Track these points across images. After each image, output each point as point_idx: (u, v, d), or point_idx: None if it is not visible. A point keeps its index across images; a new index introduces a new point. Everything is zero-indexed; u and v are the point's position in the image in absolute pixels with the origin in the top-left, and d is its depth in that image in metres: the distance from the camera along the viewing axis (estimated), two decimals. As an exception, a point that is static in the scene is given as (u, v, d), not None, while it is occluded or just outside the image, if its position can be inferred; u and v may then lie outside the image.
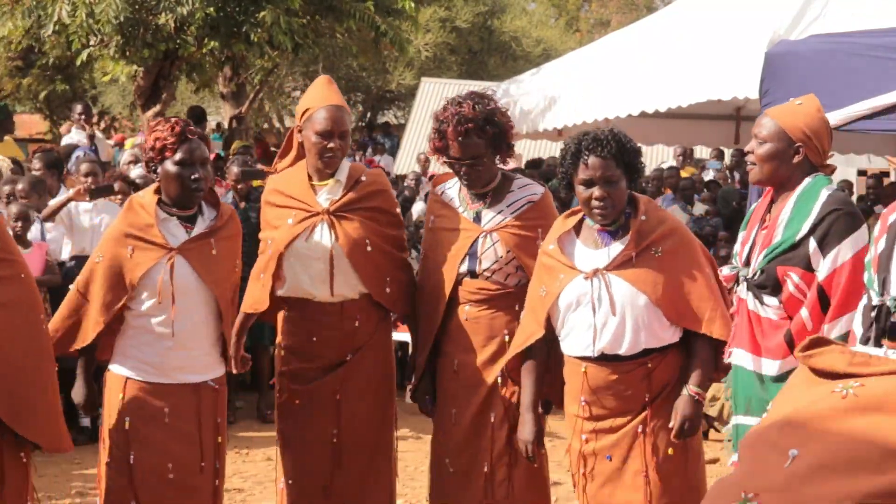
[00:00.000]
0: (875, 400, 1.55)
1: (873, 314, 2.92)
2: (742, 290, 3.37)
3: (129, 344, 3.66)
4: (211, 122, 16.91)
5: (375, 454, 4.00)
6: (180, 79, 11.89)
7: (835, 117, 5.15)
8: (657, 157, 17.63)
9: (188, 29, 9.70)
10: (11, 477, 3.27)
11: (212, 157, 8.42)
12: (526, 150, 17.88)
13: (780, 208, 3.35)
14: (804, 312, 3.24)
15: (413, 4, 10.36)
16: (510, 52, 24.41)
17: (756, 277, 3.33)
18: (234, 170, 7.71)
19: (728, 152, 13.40)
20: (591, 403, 3.55)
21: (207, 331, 3.68)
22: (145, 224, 3.60)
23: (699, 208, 9.94)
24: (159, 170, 3.60)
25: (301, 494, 3.98)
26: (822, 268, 3.23)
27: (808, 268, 3.25)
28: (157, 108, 10.81)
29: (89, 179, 6.74)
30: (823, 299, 3.22)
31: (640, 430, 3.49)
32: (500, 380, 3.90)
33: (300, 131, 3.92)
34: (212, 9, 9.46)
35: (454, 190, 4.04)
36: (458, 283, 3.92)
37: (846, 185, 12.00)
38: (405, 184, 11.93)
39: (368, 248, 3.88)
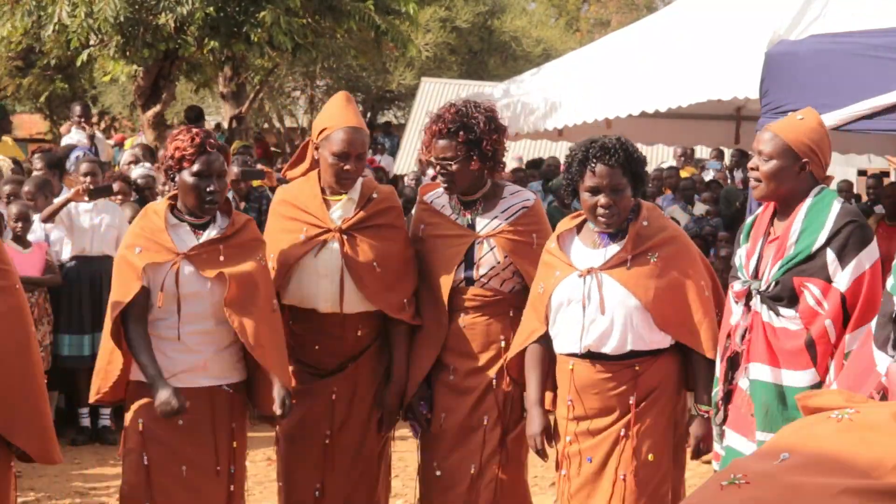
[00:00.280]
0: (868, 422, 1.56)
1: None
2: (756, 304, 3.30)
3: None
4: (211, 122, 16.92)
5: (366, 457, 4.00)
6: (180, 79, 11.89)
7: (835, 117, 5.14)
8: (657, 157, 17.63)
9: (188, 29, 9.70)
10: (2, 484, 3.29)
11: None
12: (526, 150, 17.90)
13: (790, 221, 3.30)
14: (827, 322, 3.19)
15: (415, 5, 10.36)
16: (510, 52, 24.41)
17: (770, 290, 3.28)
18: (234, 170, 7.71)
19: (728, 152, 13.40)
20: (575, 403, 3.55)
21: (218, 336, 3.67)
22: (156, 228, 3.63)
23: (699, 208, 9.93)
24: (177, 179, 3.63)
25: (293, 494, 3.98)
26: (843, 278, 3.19)
27: (827, 279, 3.21)
28: (157, 108, 10.81)
29: (88, 179, 6.74)
30: (845, 310, 3.19)
31: (622, 433, 3.49)
32: (494, 383, 3.91)
33: (317, 148, 3.91)
34: (212, 9, 9.46)
35: (444, 198, 4.03)
36: (454, 290, 3.92)
37: (846, 186, 12.01)
38: (405, 183, 11.89)
39: (377, 270, 3.88)
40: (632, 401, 3.48)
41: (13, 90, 18.21)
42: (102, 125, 22.13)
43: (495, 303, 3.91)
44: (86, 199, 6.63)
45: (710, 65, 6.84)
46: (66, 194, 6.78)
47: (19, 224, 6.35)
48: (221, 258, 3.63)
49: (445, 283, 3.89)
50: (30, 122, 25.07)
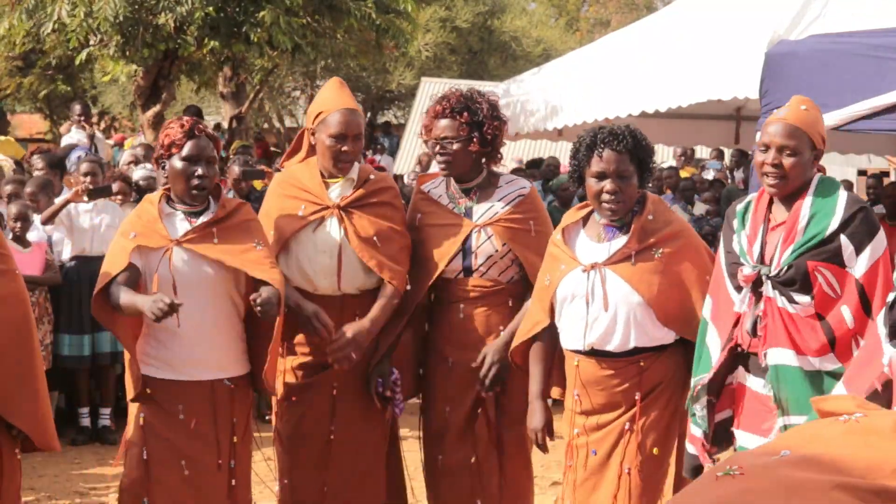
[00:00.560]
0: (874, 426, 1.56)
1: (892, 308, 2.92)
2: (768, 289, 3.25)
3: (144, 341, 3.69)
4: (211, 122, 16.92)
5: (371, 453, 4.00)
6: (180, 79, 11.89)
7: (835, 117, 5.14)
8: (657, 157, 17.61)
9: (188, 29, 9.70)
10: (9, 472, 3.33)
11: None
12: (526, 150, 17.90)
13: (797, 206, 3.25)
14: (843, 308, 3.16)
15: (413, 4, 10.36)
16: (510, 52, 24.41)
17: (782, 274, 3.21)
18: (236, 169, 7.71)
19: (728, 152, 13.40)
20: (582, 398, 3.56)
21: (217, 327, 3.65)
22: (150, 217, 3.64)
23: (699, 208, 9.94)
24: (167, 166, 3.64)
25: (298, 492, 3.98)
26: (860, 264, 3.17)
27: (840, 264, 3.17)
28: (157, 108, 10.81)
29: (88, 179, 6.74)
30: (862, 296, 3.16)
31: (627, 427, 3.49)
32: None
33: (313, 134, 3.92)
34: (211, 8, 9.46)
35: (441, 188, 4.05)
36: (453, 281, 3.92)
37: (846, 186, 12.00)
38: (405, 182, 11.88)
39: (377, 243, 3.88)
40: (637, 396, 3.48)
41: (13, 90, 18.21)
42: (102, 125, 22.13)
43: (494, 293, 3.92)
44: (85, 199, 6.63)
45: (710, 65, 6.84)
46: (65, 195, 6.78)
47: (18, 224, 6.35)
48: (215, 240, 3.61)
49: (437, 270, 3.89)
50: (30, 122, 25.09)
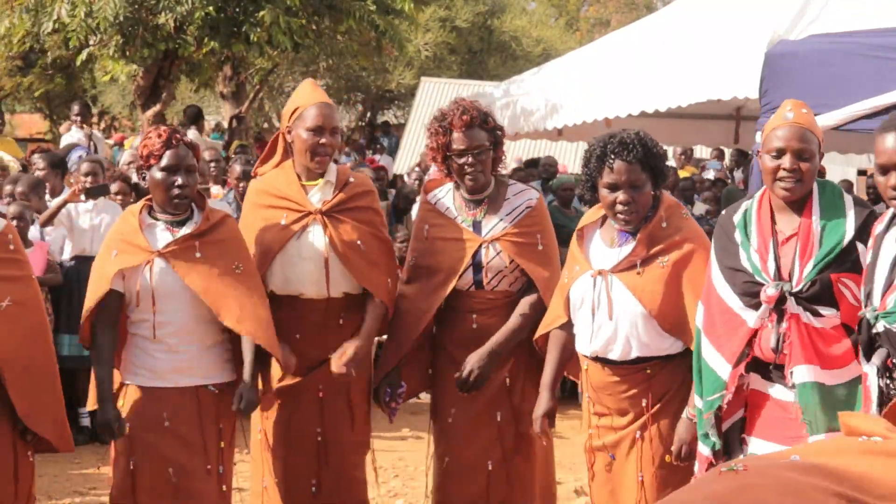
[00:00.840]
0: (892, 449, 1.55)
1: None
2: (792, 306, 3.12)
3: (127, 350, 3.70)
4: (211, 122, 16.92)
5: (357, 453, 4.02)
6: (180, 79, 11.89)
7: (835, 117, 5.15)
8: (657, 156, 17.59)
9: (188, 29, 9.70)
10: (23, 473, 3.39)
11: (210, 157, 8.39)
12: (526, 150, 17.88)
13: (807, 217, 3.17)
14: None
15: (412, 5, 10.35)
16: (510, 51, 24.39)
17: (807, 290, 3.11)
18: (237, 168, 7.69)
19: (728, 152, 13.39)
20: (594, 400, 3.58)
21: (200, 334, 3.65)
22: (131, 229, 3.63)
23: (699, 208, 9.94)
24: (147, 177, 3.63)
25: (289, 494, 3.97)
26: None
27: (860, 272, 3.08)
28: (157, 108, 10.81)
29: (89, 179, 6.74)
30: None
31: (638, 435, 3.48)
32: (508, 381, 3.94)
33: (289, 132, 3.91)
34: (211, 8, 9.46)
35: (448, 198, 4.03)
36: (465, 293, 3.94)
37: (846, 186, 12.00)
38: (408, 181, 11.84)
39: (362, 248, 3.88)
40: (644, 403, 3.46)
41: (13, 90, 18.20)
42: (102, 125, 22.12)
43: (504, 304, 3.95)
44: (82, 198, 6.62)
45: (710, 65, 6.84)
46: (64, 195, 6.77)
47: (17, 223, 6.34)
48: (197, 255, 3.60)
49: (449, 287, 3.91)
50: (30, 122, 25.09)
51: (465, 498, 3.95)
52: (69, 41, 9.54)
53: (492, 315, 3.93)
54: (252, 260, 3.79)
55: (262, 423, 4.02)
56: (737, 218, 3.30)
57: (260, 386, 3.99)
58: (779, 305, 3.13)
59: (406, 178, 12.42)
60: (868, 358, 2.94)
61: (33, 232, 6.63)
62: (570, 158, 18.62)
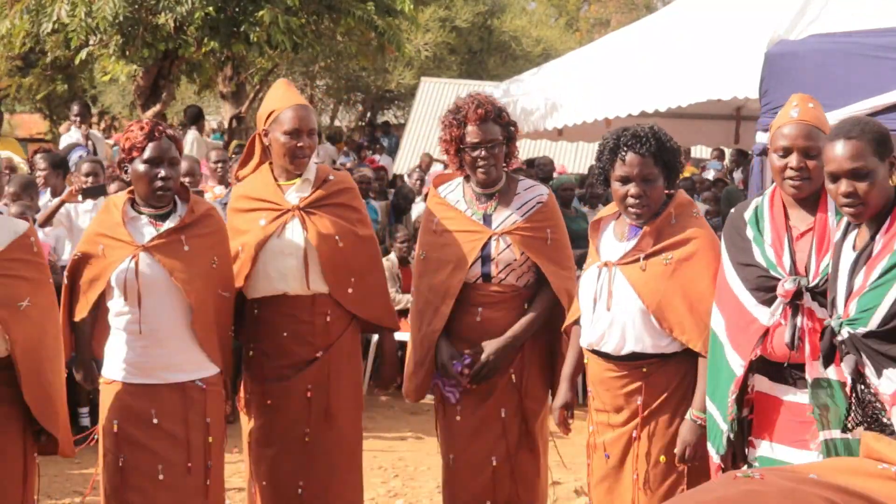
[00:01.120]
0: None
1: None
2: (808, 301, 3.09)
3: (112, 346, 3.69)
4: (211, 122, 16.93)
5: (346, 453, 4.00)
6: (180, 79, 11.89)
7: (835, 117, 5.13)
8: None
9: (188, 29, 9.71)
10: (30, 474, 3.40)
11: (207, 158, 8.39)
12: (526, 149, 17.87)
13: (823, 211, 3.15)
14: None
15: (412, 5, 10.35)
16: (510, 51, 24.40)
17: (822, 284, 3.07)
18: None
19: (728, 152, 13.41)
20: (594, 395, 3.59)
21: (183, 329, 3.63)
22: (114, 223, 3.62)
23: (699, 208, 9.95)
24: (129, 170, 3.62)
25: (276, 495, 3.96)
26: None
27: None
28: (157, 108, 10.81)
29: (90, 179, 6.74)
30: None
31: (634, 434, 3.48)
32: (513, 377, 3.94)
33: (266, 134, 3.91)
34: (211, 8, 9.47)
35: (458, 192, 4.04)
36: (471, 286, 3.93)
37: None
38: (409, 181, 11.84)
39: (340, 244, 3.88)
40: (639, 402, 3.46)
41: (13, 90, 18.22)
42: (102, 125, 22.14)
43: (511, 298, 3.94)
44: (79, 199, 6.62)
45: (710, 65, 6.85)
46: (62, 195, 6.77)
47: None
48: (185, 248, 3.60)
49: (459, 278, 3.90)
50: (30, 122, 25.11)
51: (470, 494, 3.95)
52: (69, 41, 9.54)
53: (498, 309, 3.92)
54: (230, 255, 3.81)
55: (249, 424, 4.01)
56: (748, 214, 3.29)
57: (251, 386, 4.00)
58: (794, 300, 3.11)
59: (406, 179, 12.42)
60: (826, 365, 2.94)
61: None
62: (569, 158, 18.64)
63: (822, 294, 3.08)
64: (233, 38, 9.91)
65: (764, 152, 5.83)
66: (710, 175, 12.21)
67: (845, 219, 3.01)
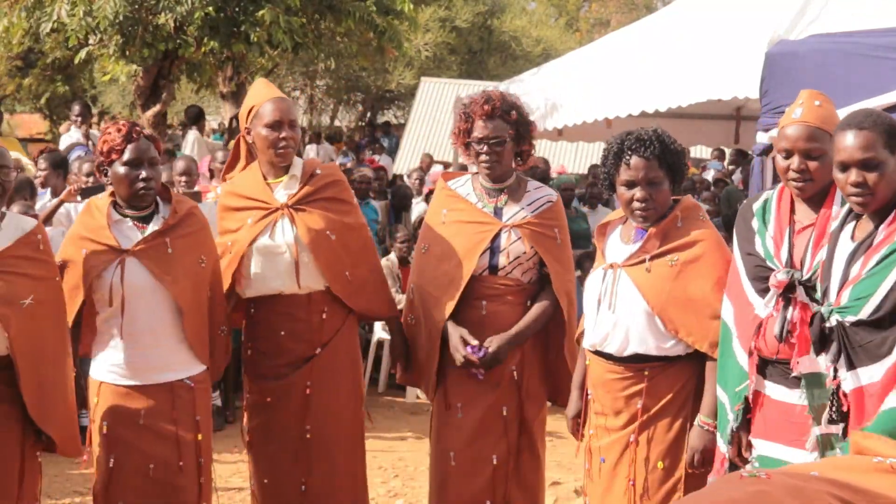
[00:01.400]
0: None
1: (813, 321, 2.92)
2: (801, 294, 3.08)
3: (99, 348, 3.68)
4: (211, 122, 16.92)
5: (348, 449, 4.00)
6: (180, 79, 11.89)
7: (835, 117, 5.14)
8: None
9: (188, 29, 9.70)
10: (30, 473, 3.38)
11: (207, 159, 8.39)
12: (526, 149, 17.89)
13: (827, 207, 3.14)
14: None
15: (412, 5, 10.35)
16: (510, 51, 24.39)
17: (815, 278, 3.06)
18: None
19: (728, 152, 13.41)
20: (594, 397, 3.58)
21: (171, 330, 3.63)
22: (98, 226, 3.61)
23: (699, 208, 9.95)
24: (109, 173, 3.61)
25: (277, 493, 3.96)
26: None
27: None
28: (158, 108, 10.81)
29: (90, 179, 6.74)
30: None
31: (632, 438, 3.46)
32: (515, 374, 3.93)
33: (248, 132, 3.92)
34: (211, 8, 9.46)
35: (467, 186, 4.04)
36: (477, 278, 3.92)
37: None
38: (409, 181, 11.85)
39: (332, 237, 3.88)
40: (639, 405, 3.44)
41: (13, 90, 18.23)
42: (103, 125, 22.12)
43: (515, 292, 3.94)
44: (78, 199, 6.62)
45: (710, 65, 6.85)
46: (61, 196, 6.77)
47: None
48: (169, 250, 3.60)
49: (467, 268, 3.89)
50: (30, 122, 25.11)
51: (470, 493, 3.94)
52: (69, 41, 9.54)
53: (502, 303, 3.92)
54: (216, 253, 3.81)
55: (250, 423, 4.01)
56: (756, 206, 3.31)
57: (247, 387, 4.00)
58: (787, 293, 3.12)
59: (406, 179, 12.42)
60: (818, 353, 2.95)
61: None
62: (569, 158, 18.64)
63: (814, 288, 3.08)
64: (233, 37, 9.91)
65: (764, 152, 5.84)
66: (710, 175, 12.21)
67: (843, 209, 3.02)
